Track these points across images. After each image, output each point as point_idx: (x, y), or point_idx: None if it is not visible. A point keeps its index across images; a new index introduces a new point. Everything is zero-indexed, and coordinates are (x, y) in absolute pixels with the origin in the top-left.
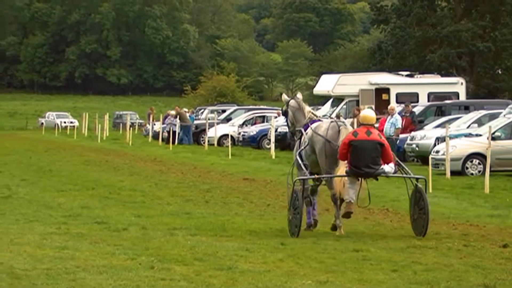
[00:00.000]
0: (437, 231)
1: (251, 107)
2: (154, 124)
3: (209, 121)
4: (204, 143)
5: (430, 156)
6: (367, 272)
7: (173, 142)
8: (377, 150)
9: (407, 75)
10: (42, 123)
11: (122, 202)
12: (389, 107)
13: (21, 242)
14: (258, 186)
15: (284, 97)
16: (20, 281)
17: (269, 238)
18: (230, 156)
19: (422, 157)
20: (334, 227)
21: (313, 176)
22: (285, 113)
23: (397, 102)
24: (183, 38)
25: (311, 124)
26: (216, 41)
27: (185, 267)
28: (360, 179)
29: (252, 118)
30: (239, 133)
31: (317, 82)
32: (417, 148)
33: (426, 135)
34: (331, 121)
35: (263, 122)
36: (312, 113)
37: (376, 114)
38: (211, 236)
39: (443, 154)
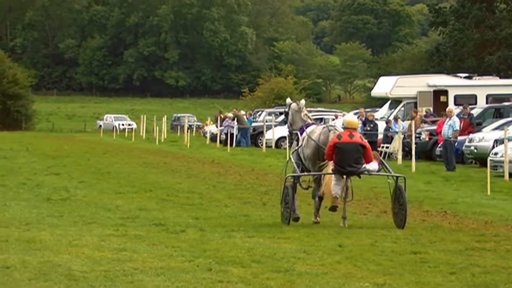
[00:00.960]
0: (496, 233)
1: (309, 109)
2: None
3: (266, 123)
4: (261, 145)
5: (489, 158)
6: (425, 274)
7: (231, 144)
8: (359, 151)
9: (465, 77)
10: (100, 126)
11: (180, 204)
12: (447, 109)
13: (79, 244)
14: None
15: (288, 100)
16: (78, 283)
17: (326, 240)
18: (287, 158)
19: (480, 159)
20: (315, 219)
21: (303, 174)
22: (286, 114)
23: (455, 104)
24: (241, 41)
25: (305, 127)
26: (274, 44)
27: (242, 269)
28: (344, 177)
29: None
30: None
31: (375, 84)
32: (475, 150)
33: (485, 137)
34: (324, 127)
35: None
36: (308, 117)
37: (434, 116)
38: (268, 238)
39: (502, 156)
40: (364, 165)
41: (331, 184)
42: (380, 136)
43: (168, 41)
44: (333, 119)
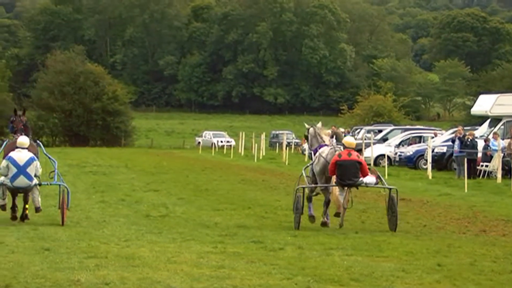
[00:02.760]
0: None
1: (407, 127)
2: None
3: (365, 141)
4: None
5: None
6: None
7: None
8: (356, 167)
9: None
10: (199, 142)
11: (279, 221)
12: None
13: (178, 261)
14: (415, 206)
15: (306, 125)
16: None
17: (425, 259)
18: (386, 176)
19: None
20: (323, 224)
21: (311, 185)
22: (306, 138)
23: None
24: (340, 58)
25: (319, 148)
26: (373, 61)
27: None
28: (345, 188)
29: (409, 138)
30: (396, 153)
31: (474, 102)
32: None
33: None
34: (331, 148)
35: (419, 142)
36: (322, 139)
37: None
38: (367, 256)
39: None
40: (361, 179)
41: (336, 194)
42: (480, 155)
43: (267, 58)
44: (432, 137)
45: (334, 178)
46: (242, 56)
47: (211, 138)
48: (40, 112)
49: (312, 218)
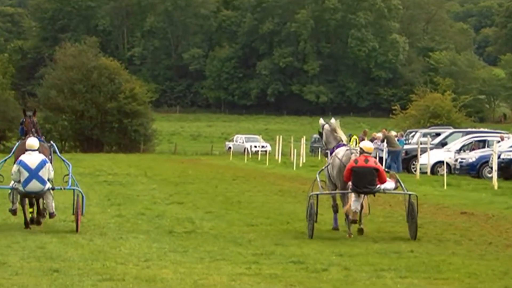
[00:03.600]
0: None
1: (469, 130)
2: None
3: (421, 145)
4: (415, 171)
5: None
6: None
7: None
8: (373, 174)
9: None
10: (230, 148)
11: (321, 238)
12: None
13: (207, 283)
14: (478, 221)
15: (321, 121)
16: None
17: (491, 282)
18: (445, 186)
19: None
20: (361, 230)
21: (325, 192)
22: (320, 135)
23: None
24: (392, 50)
25: (336, 148)
26: (429, 54)
27: None
28: (361, 195)
29: (471, 142)
30: (456, 160)
31: None
32: None
33: None
34: (347, 149)
35: (483, 147)
36: (340, 138)
37: None
38: (424, 278)
39: None
40: (379, 186)
41: (351, 200)
42: None
43: (308, 51)
44: (498, 141)
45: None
46: (279, 49)
47: (243, 142)
48: (47, 113)
49: (337, 230)
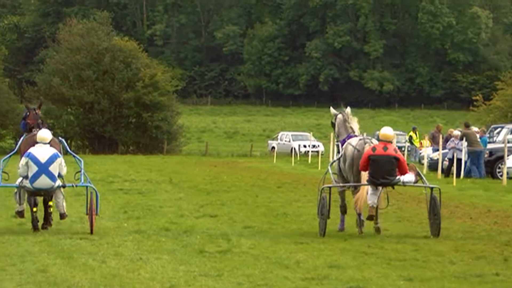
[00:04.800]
0: None
1: None
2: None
3: (508, 144)
4: (501, 176)
5: None
6: None
7: (458, 175)
8: (392, 163)
9: None
10: (273, 148)
11: (386, 259)
12: None
13: None
14: None
15: (332, 110)
16: None
17: None
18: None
19: None
20: (378, 229)
21: (338, 185)
22: (332, 126)
23: None
24: (472, 27)
25: (347, 139)
26: None
27: None
28: (379, 187)
29: None
30: None
31: None
32: None
33: None
34: (360, 139)
35: None
36: (352, 129)
37: None
38: None
39: None
40: (398, 177)
41: (367, 194)
42: None
43: (369, 28)
44: None
45: (365, 176)
46: (333, 26)
47: (289, 141)
48: (49, 105)
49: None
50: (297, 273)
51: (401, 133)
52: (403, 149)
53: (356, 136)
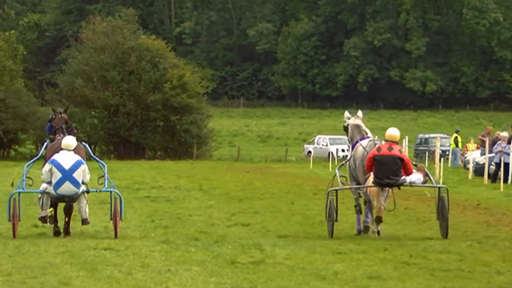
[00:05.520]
0: None
1: None
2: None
3: None
4: None
5: None
6: None
7: (505, 180)
8: (397, 164)
9: None
10: (310, 152)
11: (430, 269)
12: None
13: None
14: None
15: (346, 114)
16: None
17: None
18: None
19: None
20: (366, 228)
21: (344, 187)
22: (346, 129)
23: None
24: None
25: (360, 140)
26: None
27: None
28: (387, 188)
29: None
30: None
31: None
32: None
33: None
34: (370, 140)
35: None
36: (365, 131)
37: None
38: None
39: None
40: (404, 177)
41: (376, 195)
42: None
43: (410, 25)
44: None
45: (371, 176)
46: (373, 23)
47: (327, 145)
48: (71, 108)
49: (360, 232)
50: (335, 284)
51: (445, 136)
52: (447, 152)
53: (368, 137)
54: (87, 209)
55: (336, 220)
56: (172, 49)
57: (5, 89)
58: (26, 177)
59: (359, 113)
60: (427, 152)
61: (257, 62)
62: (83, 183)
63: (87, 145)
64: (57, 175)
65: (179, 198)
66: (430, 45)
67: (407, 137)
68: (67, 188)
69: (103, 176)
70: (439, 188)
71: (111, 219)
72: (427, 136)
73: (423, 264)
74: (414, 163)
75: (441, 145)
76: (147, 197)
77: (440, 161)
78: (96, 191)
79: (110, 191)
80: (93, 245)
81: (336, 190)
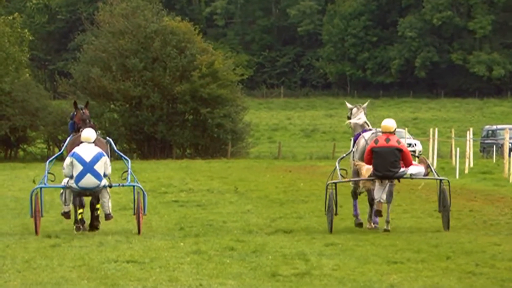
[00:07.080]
0: None
1: None
2: None
3: None
4: None
5: None
6: None
7: None
8: (395, 155)
9: None
10: None
11: (499, 280)
12: None
13: None
14: None
15: (348, 105)
16: None
17: None
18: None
19: None
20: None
21: (344, 180)
22: (349, 119)
23: None
24: None
25: (362, 133)
26: None
27: None
28: (386, 181)
29: None
30: None
31: None
32: None
33: None
34: (372, 133)
35: None
36: (367, 123)
37: None
38: None
39: None
40: (403, 169)
41: (375, 189)
42: None
43: (474, 1)
44: None
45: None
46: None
47: None
48: (88, 100)
49: (359, 225)
50: None
51: None
52: None
53: (370, 130)
54: (110, 204)
55: (336, 214)
56: (201, 32)
57: (11, 81)
58: (48, 173)
59: (366, 104)
60: (494, 146)
61: (299, 46)
62: (105, 175)
63: (111, 140)
64: (78, 167)
65: (211, 203)
66: (496, 24)
67: (471, 129)
68: (88, 180)
69: (127, 171)
70: (441, 180)
71: (134, 214)
72: (494, 127)
73: (491, 274)
74: (416, 155)
75: (510, 138)
76: (175, 201)
77: (509, 156)
78: (119, 185)
79: (134, 186)
80: (113, 257)
81: (335, 183)
